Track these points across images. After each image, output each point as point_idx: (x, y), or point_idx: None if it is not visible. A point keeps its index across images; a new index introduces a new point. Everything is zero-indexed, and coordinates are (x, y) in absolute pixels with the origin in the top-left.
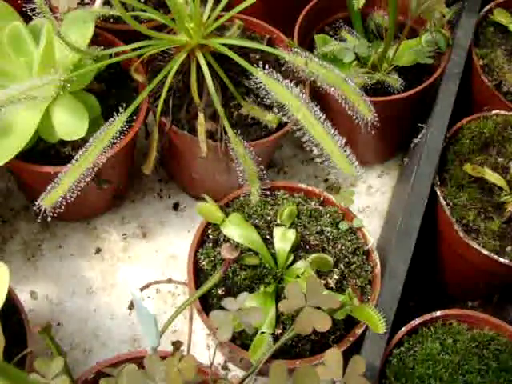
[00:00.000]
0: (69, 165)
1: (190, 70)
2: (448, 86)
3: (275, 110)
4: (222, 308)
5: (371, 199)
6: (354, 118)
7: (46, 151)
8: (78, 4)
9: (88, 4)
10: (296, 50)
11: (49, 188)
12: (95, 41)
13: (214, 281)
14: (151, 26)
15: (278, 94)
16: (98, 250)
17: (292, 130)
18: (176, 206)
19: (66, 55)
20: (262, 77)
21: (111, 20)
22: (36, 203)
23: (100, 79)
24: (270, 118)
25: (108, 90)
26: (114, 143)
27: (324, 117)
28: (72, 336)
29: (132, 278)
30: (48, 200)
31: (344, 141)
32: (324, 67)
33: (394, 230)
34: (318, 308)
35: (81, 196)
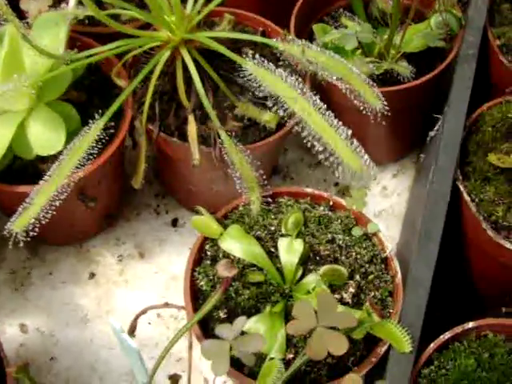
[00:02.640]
0: (41, 182)
1: (175, 70)
2: (463, 69)
3: (269, 103)
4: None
5: (387, 202)
6: (361, 109)
7: (24, 169)
8: (49, 7)
9: (60, 6)
10: (291, 38)
11: (20, 209)
12: (73, 46)
13: (212, 304)
14: (134, 27)
15: (271, 84)
16: (92, 275)
17: (294, 129)
18: (175, 222)
19: (36, 62)
20: (252, 67)
21: (89, 23)
22: (6, 227)
23: (80, 88)
24: (267, 118)
25: (90, 100)
26: (92, 154)
27: (325, 107)
28: (67, 371)
29: (130, 303)
30: (19, 223)
31: (350, 132)
32: (323, 54)
33: (415, 234)
34: (333, 328)
35: (68, 217)
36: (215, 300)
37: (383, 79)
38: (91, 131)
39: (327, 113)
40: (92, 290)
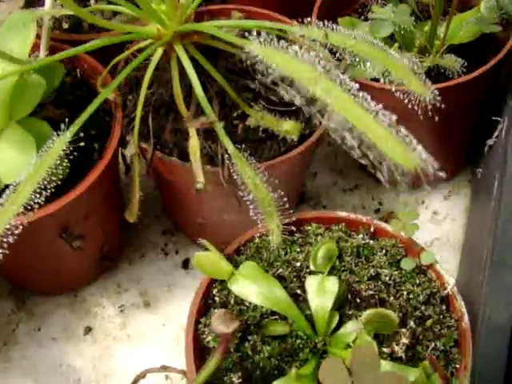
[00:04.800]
0: None
1: (171, 73)
2: None
3: (283, 92)
4: None
5: (439, 229)
6: (406, 102)
7: None
8: (21, 8)
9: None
10: (310, 21)
11: None
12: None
13: (208, 372)
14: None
15: (281, 64)
16: (88, 330)
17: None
18: (186, 264)
19: (4, 70)
20: (256, 47)
21: (71, 28)
22: None
23: (62, 104)
24: (288, 128)
25: (72, 118)
26: (67, 180)
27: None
28: None
29: (132, 364)
30: None
31: (395, 118)
32: (352, 37)
33: (480, 266)
34: None
35: (53, 261)
36: (212, 366)
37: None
38: (55, 145)
39: (361, 94)
40: (87, 349)
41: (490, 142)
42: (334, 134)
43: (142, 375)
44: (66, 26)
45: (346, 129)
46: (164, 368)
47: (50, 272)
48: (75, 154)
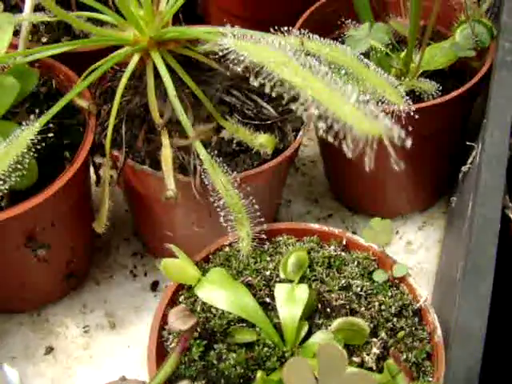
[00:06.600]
0: None
1: (146, 81)
2: (501, 77)
3: (254, 82)
4: None
5: (413, 258)
6: None
7: None
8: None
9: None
10: (287, 29)
11: None
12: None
13: (165, 375)
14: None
15: (253, 52)
16: (50, 350)
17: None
18: (155, 286)
19: None
20: (230, 40)
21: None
22: None
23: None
24: (262, 141)
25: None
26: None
27: (330, 74)
28: None
29: None
30: None
31: (365, 97)
32: (327, 45)
33: (453, 284)
34: None
35: (16, 272)
36: (169, 368)
37: None
38: (23, 134)
39: (329, 75)
40: (48, 369)
41: (464, 168)
42: (302, 112)
43: None
44: (44, 40)
45: (316, 108)
46: (123, 380)
47: (13, 285)
48: (46, 161)
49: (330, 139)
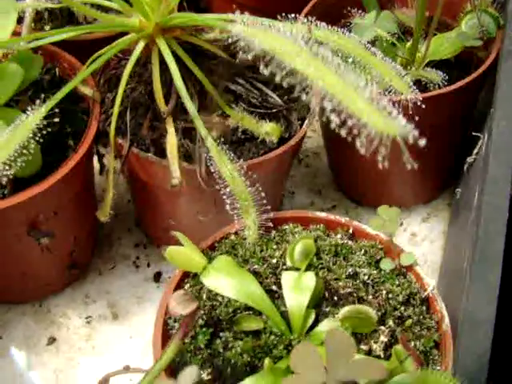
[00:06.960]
0: None
1: (151, 68)
2: (508, 67)
3: (265, 71)
4: None
5: (417, 250)
6: None
7: None
8: None
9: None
10: (294, 16)
11: None
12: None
13: (166, 361)
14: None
15: (264, 40)
16: (52, 340)
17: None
18: (157, 277)
19: None
20: (240, 27)
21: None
22: None
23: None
24: (268, 129)
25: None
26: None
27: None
28: None
29: (96, 375)
30: None
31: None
32: (335, 32)
33: (460, 276)
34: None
35: (19, 261)
36: (171, 353)
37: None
38: (29, 118)
39: (342, 67)
40: (50, 359)
41: (469, 159)
42: (315, 105)
43: (105, 380)
44: (47, 28)
45: (329, 100)
46: (127, 369)
47: (15, 275)
48: (49, 150)
49: (343, 134)
